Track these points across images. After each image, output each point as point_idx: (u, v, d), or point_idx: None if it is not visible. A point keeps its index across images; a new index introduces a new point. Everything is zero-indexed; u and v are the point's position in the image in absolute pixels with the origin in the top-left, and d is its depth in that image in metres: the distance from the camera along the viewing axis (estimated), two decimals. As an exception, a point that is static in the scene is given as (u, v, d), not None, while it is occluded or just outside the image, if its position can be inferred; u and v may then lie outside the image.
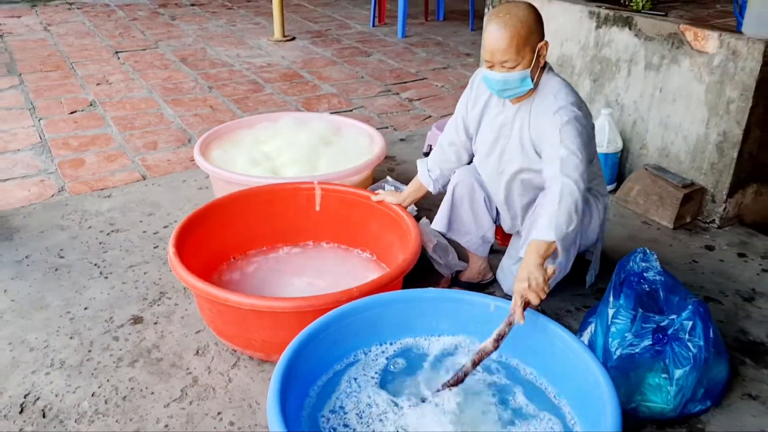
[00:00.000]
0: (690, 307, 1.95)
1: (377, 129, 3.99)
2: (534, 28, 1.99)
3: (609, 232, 2.93)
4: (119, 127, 4.04)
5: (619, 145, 3.23)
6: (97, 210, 3.05)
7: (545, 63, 2.11)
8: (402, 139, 3.93)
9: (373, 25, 6.74)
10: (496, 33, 1.97)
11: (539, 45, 2.01)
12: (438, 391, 1.82)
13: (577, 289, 2.51)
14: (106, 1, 7.66)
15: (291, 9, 7.35)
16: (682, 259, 2.77)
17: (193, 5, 7.54)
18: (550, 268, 1.86)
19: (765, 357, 2.22)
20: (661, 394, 1.91)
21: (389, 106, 4.56)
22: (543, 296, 1.80)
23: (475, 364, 1.81)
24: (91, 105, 4.41)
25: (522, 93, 2.08)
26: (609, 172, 3.25)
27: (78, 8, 7.23)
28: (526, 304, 1.80)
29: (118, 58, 5.46)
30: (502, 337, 1.80)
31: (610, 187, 3.28)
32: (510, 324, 1.80)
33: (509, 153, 2.19)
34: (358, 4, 7.78)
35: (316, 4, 7.80)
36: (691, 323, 1.92)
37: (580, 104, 2.09)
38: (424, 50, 5.89)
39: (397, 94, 4.81)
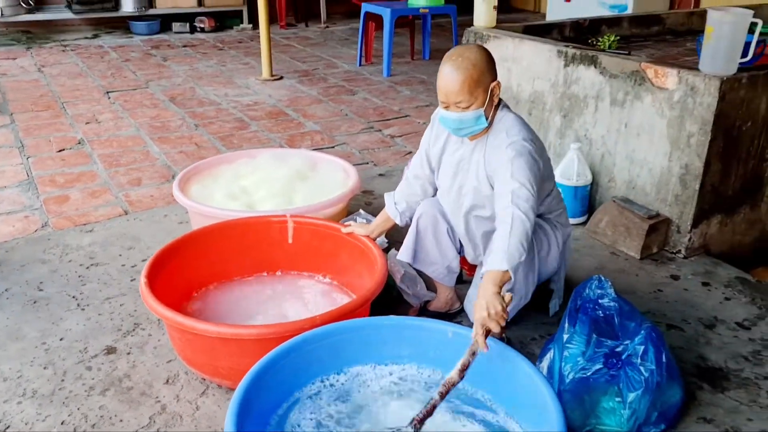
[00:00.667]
0: (642, 332, 2.02)
1: (358, 164, 4.11)
2: (486, 70, 2.10)
3: (578, 262, 3.00)
4: (105, 164, 4.14)
5: (589, 178, 3.33)
6: (78, 244, 3.12)
7: (499, 101, 2.21)
8: (381, 174, 4.03)
9: (360, 65, 6.91)
10: (449, 75, 2.08)
11: (492, 85, 2.12)
12: (410, 424, 1.82)
13: (542, 317, 2.57)
14: (100, 42, 7.84)
15: (280, 49, 7.53)
16: (647, 288, 2.84)
17: (185, 46, 7.73)
18: (507, 296, 1.94)
19: (722, 382, 2.27)
20: (615, 417, 1.96)
21: (371, 142, 4.67)
22: (503, 323, 1.87)
23: (442, 396, 1.85)
24: (79, 143, 4.51)
25: (477, 131, 2.19)
26: (579, 204, 3.34)
27: (72, 50, 7.41)
28: (488, 333, 1.87)
29: (109, 98, 5.59)
30: (467, 366, 1.85)
31: (580, 219, 3.36)
32: (473, 353, 1.86)
33: (467, 188, 2.29)
34: (346, 44, 7.97)
35: (305, 44, 8.00)
36: (643, 348, 1.98)
37: (533, 139, 2.18)
38: (408, 88, 6.03)
39: (380, 131, 4.92)
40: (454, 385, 1.85)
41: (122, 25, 8.56)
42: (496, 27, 3.91)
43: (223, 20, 8.83)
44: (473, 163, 2.27)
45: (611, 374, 1.99)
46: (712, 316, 2.64)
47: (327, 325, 1.98)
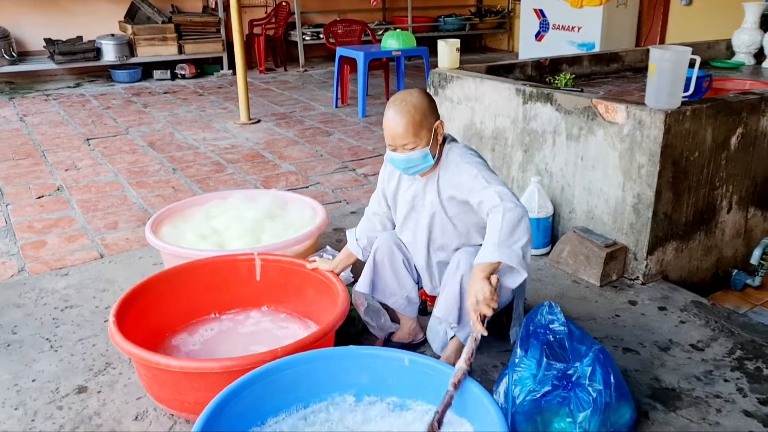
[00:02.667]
0: (591, 354, 2.11)
1: (330, 203, 4.23)
2: (428, 112, 2.23)
3: (541, 291, 3.11)
4: (83, 210, 4.22)
5: (550, 209, 3.45)
6: (53, 288, 3.19)
7: (444, 137, 2.34)
8: (353, 212, 4.14)
9: (336, 106, 7.09)
10: (393, 120, 2.21)
11: (435, 125, 2.25)
12: (432, 421, 1.85)
13: (503, 346, 2.66)
14: (82, 91, 8.00)
15: (259, 93, 7.70)
16: (606, 314, 2.94)
17: (165, 93, 7.89)
18: (494, 278, 2.06)
19: (675, 402, 2.35)
20: (567, 437, 2.04)
21: (344, 181, 4.80)
22: (494, 305, 2.01)
23: (456, 385, 1.92)
24: (58, 189, 4.60)
25: (426, 168, 2.31)
26: (542, 235, 3.45)
27: (54, 99, 7.55)
28: (483, 318, 2.00)
29: (89, 145, 5.70)
30: (472, 354, 1.97)
31: (544, 250, 3.48)
32: (475, 340, 1.99)
33: (422, 222, 2.41)
34: (324, 87, 8.17)
35: (283, 88, 8.19)
36: (590, 369, 2.07)
37: (484, 160, 2.34)
38: (382, 128, 6.18)
39: (353, 170, 5.05)
40: (464, 373, 1.94)
41: (104, 74, 8.74)
42: (459, 68, 4.08)
43: (204, 66, 9.04)
44: (427, 198, 2.39)
45: (562, 395, 2.07)
46: (667, 339, 2.74)
47: (287, 357, 2.06)
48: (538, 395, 2.03)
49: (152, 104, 7.29)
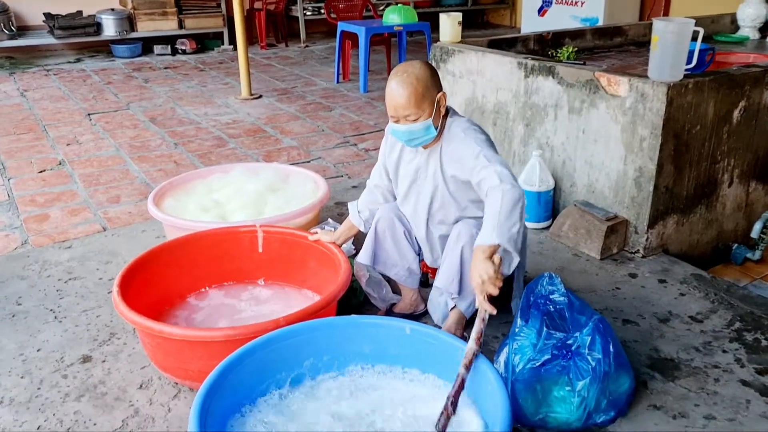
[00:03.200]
0: (590, 324, 2.13)
1: (332, 178, 4.23)
2: (430, 83, 2.22)
3: (542, 264, 3.12)
4: (85, 184, 4.23)
5: (551, 183, 3.45)
6: (56, 260, 3.21)
7: (447, 109, 2.34)
8: (354, 186, 4.14)
9: (338, 82, 7.06)
10: (396, 91, 2.21)
11: (437, 96, 2.24)
12: (446, 405, 1.86)
13: (504, 317, 2.66)
14: (83, 66, 7.96)
15: (260, 69, 7.67)
16: (606, 286, 2.95)
17: (166, 68, 7.85)
18: (497, 258, 2.05)
19: (673, 372, 2.38)
20: (566, 405, 2.07)
21: (346, 156, 4.79)
22: (499, 284, 2.00)
23: (467, 367, 1.91)
24: (60, 164, 4.61)
25: (428, 140, 2.31)
26: (543, 209, 3.46)
27: (55, 74, 7.52)
28: (490, 297, 2.00)
29: (90, 120, 5.69)
30: (481, 333, 1.96)
31: (545, 224, 3.49)
32: (483, 320, 1.99)
33: (425, 194, 2.41)
34: (325, 63, 8.12)
35: (284, 63, 8.14)
36: (590, 338, 2.09)
37: (486, 135, 2.34)
38: (384, 103, 6.16)
39: (355, 145, 5.05)
40: (475, 354, 1.93)
41: (104, 49, 8.69)
42: (461, 42, 4.05)
43: (204, 42, 8.98)
44: (430, 170, 2.39)
45: (562, 365, 2.09)
46: (666, 311, 2.75)
47: (290, 326, 2.08)
48: (538, 364, 2.06)
49: (153, 79, 7.26)
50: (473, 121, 2.40)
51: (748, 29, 5.15)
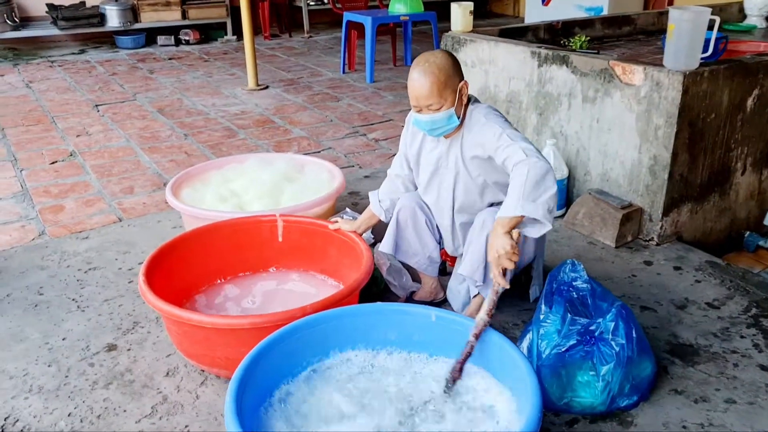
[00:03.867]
0: (613, 310, 2.15)
1: (343, 168, 4.25)
2: (452, 73, 2.24)
3: (557, 252, 3.15)
4: (97, 175, 4.24)
5: (565, 172, 3.47)
6: (75, 251, 3.23)
7: (469, 98, 2.35)
8: (367, 176, 4.16)
9: (344, 72, 7.05)
10: (418, 81, 2.22)
11: (459, 85, 2.26)
12: (452, 369, 1.98)
13: (523, 304, 2.70)
14: (87, 57, 7.95)
15: (265, 60, 7.66)
16: (622, 273, 2.98)
17: (170, 59, 7.84)
18: (515, 233, 2.08)
19: (692, 357, 2.41)
20: (590, 389, 2.10)
21: (356, 146, 4.81)
22: (516, 259, 2.03)
23: (477, 336, 1.99)
24: (71, 155, 4.62)
25: (450, 129, 2.32)
26: (557, 198, 3.48)
27: (59, 65, 7.51)
28: (505, 271, 2.04)
29: (98, 111, 5.70)
30: (494, 306, 2.01)
31: (559, 212, 3.51)
32: (496, 293, 2.03)
33: (447, 183, 2.43)
34: (330, 53, 8.12)
35: (289, 54, 8.14)
36: (613, 324, 2.11)
37: (508, 120, 2.34)
38: (392, 93, 6.18)
39: (364, 135, 5.06)
40: (486, 325, 1.98)
41: (108, 40, 8.68)
42: (472, 31, 4.06)
43: (208, 32, 8.96)
44: (451, 159, 2.41)
45: (585, 350, 2.12)
46: (683, 298, 2.78)
47: (317, 313, 2.10)
48: (563, 349, 2.08)
49: (158, 70, 7.26)
50: (494, 107, 2.41)
51: (755, 18, 5.16)
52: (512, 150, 2.18)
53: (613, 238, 3.19)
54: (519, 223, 2.09)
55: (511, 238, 2.05)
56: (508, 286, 2.04)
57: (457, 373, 1.99)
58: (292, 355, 2.05)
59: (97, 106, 5.85)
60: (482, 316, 2.00)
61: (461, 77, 2.30)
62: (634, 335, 2.13)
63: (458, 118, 2.31)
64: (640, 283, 2.91)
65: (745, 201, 3.51)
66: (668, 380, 2.29)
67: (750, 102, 3.22)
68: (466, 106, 2.36)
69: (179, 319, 2.13)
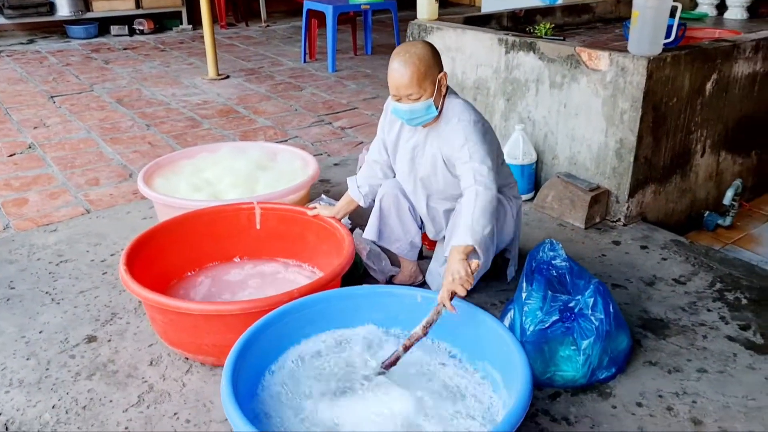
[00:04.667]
0: (591, 287, 2.23)
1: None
2: (432, 63, 2.27)
3: (529, 234, 3.22)
4: (60, 167, 4.15)
5: (534, 156, 3.55)
6: (44, 243, 3.16)
7: (447, 89, 2.39)
8: (336, 164, 4.17)
9: (305, 61, 7.02)
10: (398, 71, 2.24)
11: (439, 76, 2.29)
12: (378, 373, 2.02)
13: (500, 285, 2.77)
14: (37, 48, 7.71)
15: (224, 49, 7.56)
16: (592, 253, 3.08)
17: (125, 49, 7.67)
18: (474, 263, 2.12)
19: (663, 330, 2.51)
20: (572, 363, 2.17)
21: (323, 134, 4.81)
22: (468, 287, 2.05)
23: (406, 348, 2.04)
24: (30, 147, 4.49)
25: (429, 119, 2.36)
26: (526, 181, 3.56)
27: (8, 56, 7.27)
28: (453, 295, 2.04)
29: (54, 102, 5.55)
30: (431, 324, 2.04)
31: (528, 195, 3.59)
32: (438, 313, 2.05)
33: (423, 172, 2.47)
34: (289, 42, 8.06)
35: (247, 43, 8.05)
36: (592, 300, 2.19)
37: (481, 120, 2.38)
38: (354, 82, 6.19)
39: (330, 123, 5.06)
40: (417, 339, 2.04)
41: (58, 30, 8.43)
42: (438, 19, 4.10)
43: (162, 21, 8.79)
44: (428, 149, 2.45)
45: (566, 326, 2.19)
46: (651, 275, 2.89)
47: (305, 297, 2.12)
48: (546, 325, 2.15)
49: (113, 60, 7.09)
50: (469, 104, 2.44)
51: (706, 6, 5.35)
52: (465, 170, 2.27)
53: (582, 220, 3.28)
54: (471, 251, 2.14)
55: (468, 265, 2.08)
56: (454, 311, 2.03)
57: (382, 370, 2.04)
58: (282, 338, 2.07)
59: (52, 97, 5.70)
60: (418, 330, 2.03)
61: (441, 68, 2.33)
62: (611, 310, 2.21)
63: (437, 108, 2.34)
64: (609, 262, 3.01)
65: (705, 182, 3.65)
66: (642, 353, 2.39)
67: (709, 86, 3.35)
68: (445, 96, 2.40)
69: (167, 307, 2.12)
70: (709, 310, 2.63)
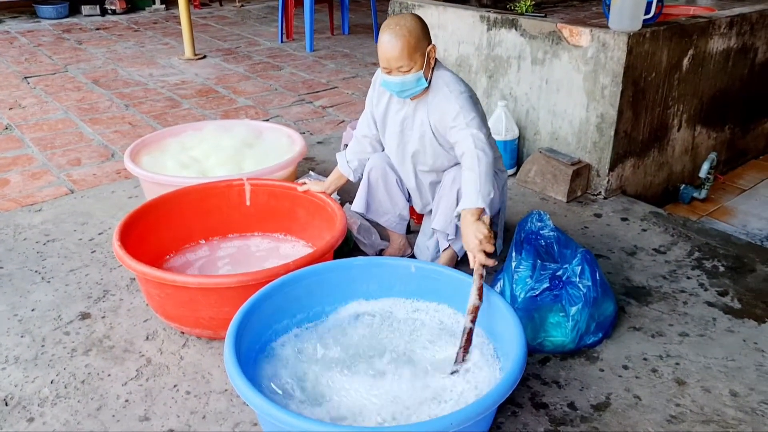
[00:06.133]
0: (578, 255, 2.30)
1: (295, 134, 4.24)
2: (421, 35, 2.30)
3: (512, 208, 3.29)
4: (40, 147, 4.10)
5: (516, 132, 3.61)
6: (29, 223, 3.14)
7: (435, 62, 2.42)
8: (320, 142, 4.19)
9: (282, 41, 6.98)
10: (389, 43, 2.27)
11: (428, 49, 2.32)
12: (457, 361, 1.97)
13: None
14: (6, 28, 7.54)
15: (199, 29, 7.48)
16: (575, 226, 3.16)
17: (98, 29, 7.55)
18: (486, 218, 2.16)
19: (646, 297, 2.60)
20: (561, 329, 2.24)
21: (304, 113, 4.81)
22: (493, 242, 2.09)
23: (473, 321, 1.99)
24: (6, 128, 4.43)
25: (419, 91, 2.39)
26: (509, 156, 3.62)
27: (-23, 37, 7.11)
28: (486, 254, 2.06)
29: (28, 83, 5.45)
30: (482, 288, 2.02)
31: (511, 171, 3.66)
32: (481, 276, 2.04)
33: (412, 144, 2.50)
34: (265, 22, 8.00)
35: (223, 23, 7.97)
36: (580, 268, 2.26)
37: (470, 90, 2.42)
38: (333, 62, 6.18)
39: (311, 102, 5.06)
40: (478, 307, 2.00)
41: (27, 10, 8.25)
42: (420, -4, 4.12)
43: (135, 1, 8.65)
44: (417, 121, 2.48)
45: (555, 294, 2.26)
46: (632, 245, 2.98)
47: (302, 269, 2.16)
48: (536, 293, 2.22)
49: (86, 41, 6.98)
50: (457, 75, 2.48)
51: (680, -16, 5.43)
52: (463, 135, 2.30)
53: (564, 194, 3.36)
54: (482, 212, 2.18)
55: (484, 223, 2.12)
56: (495, 264, 2.06)
57: (460, 359, 1.98)
58: (280, 309, 2.10)
59: (26, 78, 5.60)
60: (474, 300, 2.01)
61: (429, 41, 2.36)
62: (598, 277, 2.29)
63: (426, 80, 2.37)
64: (592, 233, 3.09)
65: (681, 156, 3.75)
66: (627, 319, 2.47)
67: (686, 62, 3.43)
68: (433, 69, 2.43)
69: (164, 281, 2.14)
70: (688, 278, 2.73)
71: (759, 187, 3.98)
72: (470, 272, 2.10)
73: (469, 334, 1.98)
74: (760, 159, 4.44)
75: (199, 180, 2.88)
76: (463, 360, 1.97)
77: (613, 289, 2.61)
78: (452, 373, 1.95)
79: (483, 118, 2.39)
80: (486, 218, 2.16)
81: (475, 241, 2.08)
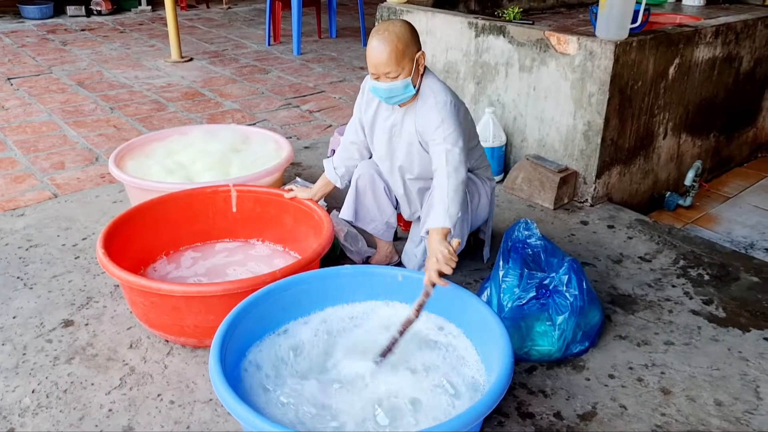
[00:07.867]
0: (565, 264, 2.30)
1: (282, 139, 4.22)
2: (410, 42, 2.29)
3: (500, 215, 3.29)
4: (22, 150, 4.05)
5: (503, 139, 3.62)
6: (11, 228, 3.10)
7: (424, 69, 2.42)
8: (306, 147, 4.17)
9: (269, 44, 6.96)
10: (377, 49, 2.26)
11: (417, 55, 2.31)
12: (375, 362, 2.01)
13: (475, 265, 2.83)
14: (-10, 28, 7.46)
15: (186, 31, 7.43)
16: (562, 233, 3.16)
17: (83, 30, 7.48)
18: (455, 242, 2.15)
19: (632, 306, 2.61)
20: (547, 338, 2.25)
21: (291, 118, 4.79)
22: (453, 265, 2.05)
23: (401, 333, 2.04)
24: (-12, 131, 4.38)
25: (407, 98, 2.38)
26: (496, 163, 3.63)
27: (-41, 37, 7.02)
28: (441, 275, 2.05)
29: (11, 85, 5.39)
30: (421, 306, 2.05)
31: (498, 177, 3.66)
32: (427, 294, 2.05)
33: (400, 151, 2.49)
34: (252, 25, 7.97)
35: (209, 25, 7.93)
36: (567, 277, 2.27)
37: (456, 101, 2.40)
38: (320, 65, 6.16)
39: (298, 106, 5.05)
40: (411, 323, 2.04)
41: (11, 10, 8.16)
42: (407, 2, 4.12)
43: (120, 2, 8.59)
44: (405, 128, 2.47)
45: (542, 303, 2.26)
46: (618, 253, 2.99)
47: (289, 277, 2.14)
48: (523, 302, 2.22)
49: (71, 42, 6.91)
50: (444, 84, 2.47)
51: (665, -8, 5.48)
52: (437, 151, 2.30)
53: (551, 201, 3.36)
54: (449, 232, 2.17)
55: (450, 245, 2.12)
56: (446, 285, 2.06)
57: (380, 360, 2.03)
58: (266, 317, 2.09)
59: (9, 79, 5.54)
60: (411, 315, 2.04)
61: (419, 47, 2.35)
62: (584, 286, 2.29)
63: (414, 87, 2.36)
64: (578, 241, 3.10)
65: (666, 163, 3.78)
66: (612, 327, 2.48)
67: (672, 70, 3.45)
68: (422, 76, 2.42)
69: (148, 289, 2.12)
70: (673, 286, 2.74)
71: (743, 195, 4.01)
72: (457, 282, 2.09)
73: (393, 343, 2.03)
74: (744, 167, 4.48)
75: (185, 186, 2.85)
76: (383, 357, 2.02)
77: (599, 297, 2.62)
78: (374, 362, 2.01)
79: (466, 131, 2.37)
80: (455, 242, 2.14)
81: (433, 259, 2.06)
